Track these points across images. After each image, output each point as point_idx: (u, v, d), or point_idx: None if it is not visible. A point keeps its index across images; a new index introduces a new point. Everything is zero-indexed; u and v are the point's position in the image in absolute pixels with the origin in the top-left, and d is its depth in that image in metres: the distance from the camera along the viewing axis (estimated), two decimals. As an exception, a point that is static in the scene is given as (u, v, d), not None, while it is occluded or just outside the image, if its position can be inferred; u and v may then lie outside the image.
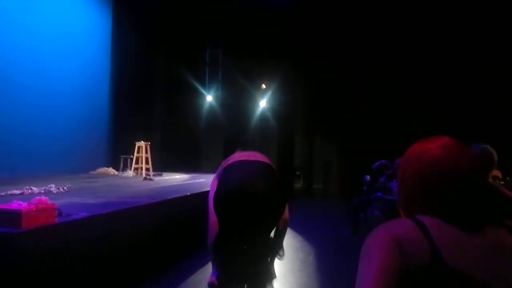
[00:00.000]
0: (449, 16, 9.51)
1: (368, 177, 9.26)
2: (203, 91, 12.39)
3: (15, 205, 2.85)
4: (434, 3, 9.63)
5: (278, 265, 4.53)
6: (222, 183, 2.41)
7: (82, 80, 9.24)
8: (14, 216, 2.70)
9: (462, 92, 9.37)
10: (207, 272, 4.16)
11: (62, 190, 5.25)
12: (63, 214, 3.15)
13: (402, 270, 0.78)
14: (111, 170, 9.36)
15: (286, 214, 2.57)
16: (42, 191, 4.88)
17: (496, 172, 3.09)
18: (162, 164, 10.29)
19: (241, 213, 2.23)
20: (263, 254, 2.36)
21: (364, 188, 9.28)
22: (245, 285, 2.38)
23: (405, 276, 0.78)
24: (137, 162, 8.82)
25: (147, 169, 8.72)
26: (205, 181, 7.60)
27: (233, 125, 11.18)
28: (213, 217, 2.37)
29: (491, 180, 2.81)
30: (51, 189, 5.15)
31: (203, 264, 4.40)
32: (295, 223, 6.88)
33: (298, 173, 12.79)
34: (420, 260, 0.78)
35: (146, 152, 8.78)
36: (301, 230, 6.36)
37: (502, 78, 8.88)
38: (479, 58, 9.21)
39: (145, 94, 11.12)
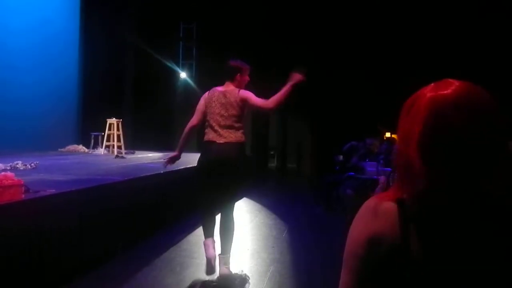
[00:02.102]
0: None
1: (340, 157, 9.41)
2: (177, 68, 12.13)
3: (-22, 180, 2.73)
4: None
5: (252, 242, 4.58)
6: (200, 157, 3.59)
7: (51, 55, 8.88)
8: (-23, 192, 2.59)
9: (431, 72, 9.54)
10: (180, 249, 4.17)
11: (29, 166, 5.08)
12: (31, 191, 3.05)
13: (375, 238, 0.78)
14: (81, 148, 9.13)
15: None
16: (8, 168, 4.71)
17: None
18: (134, 142, 10.10)
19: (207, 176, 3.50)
20: (228, 197, 3.55)
21: (337, 167, 9.44)
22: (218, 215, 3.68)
23: (375, 244, 0.78)
24: (108, 140, 8.62)
25: (119, 147, 8.55)
26: (179, 160, 7.51)
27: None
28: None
29: None
30: (18, 166, 4.98)
31: (177, 241, 4.40)
32: (269, 201, 6.96)
33: (272, 152, 12.86)
34: (387, 244, 0.76)
35: (118, 130, 8.59)
36: (275, 208, 6.43)
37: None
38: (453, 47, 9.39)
39: (116, 69, 10.79)
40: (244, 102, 3.47)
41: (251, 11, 10.76)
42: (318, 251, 4.20)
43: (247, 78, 3.67)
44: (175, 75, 12.16)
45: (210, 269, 3.41)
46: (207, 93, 3.61)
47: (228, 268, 3.41)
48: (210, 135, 3.44)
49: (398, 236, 0.75)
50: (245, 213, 6.16)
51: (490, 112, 0.74)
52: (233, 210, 3.63)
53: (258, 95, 3.54)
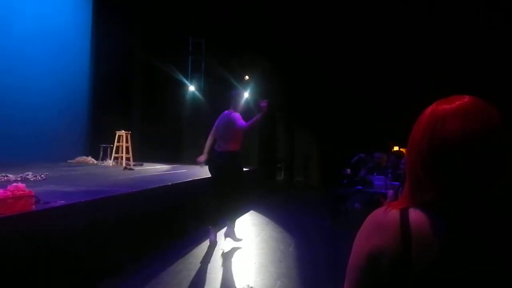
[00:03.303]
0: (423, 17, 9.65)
1: (348, 170, 9.38)
2: (186, 81, 12.26)
3: (-10, 191, 2.77)
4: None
5: (259, 255, 4.56)
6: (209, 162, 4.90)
7: (62, 68, 9.04)
8: (-11, 203, 2.63)
9: (442, 89, 9.53)
10: (187, 262, 4.17)
11: (39, 178, 5.14)
12: (41, 202, 3.09)
13: (376, 252, 0.78)
14: (90, 159, 9.21)
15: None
16: (19, 179, 4.77)
17: None
18: (143, 154, 10.17)
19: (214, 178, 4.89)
20: (232, 193, 4.77)
21: (344, 181, 9.40)
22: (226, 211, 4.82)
23: (376, 258, 0.78)
24: (117, 152, 8.69)
25: (127, 159, 8.61)
26: (186, 172, 7.56)
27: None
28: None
29: None
30: (28, 177, 5.04)
31: (184, 254, 4.39)
32: (276, 215, 6.94)
33: (279, 165, 12.85)
34: (388, 256, 0.76)
35: (127, 142, 8.66)
36: (282, 221, 6.40)
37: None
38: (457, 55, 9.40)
39: (126, 83, 10.94)
40: (233, 122, 4.68)
41: (259, 26, 10.88)
42: (326, 266, 4.17)
43: (241, 103, 5.05)
44: (183, 88, 12.28)
45: (212, 245, 4.68)
46: (220, 115, 5.02)
47: (234, 236, 4.81)
48: (215, 145, 4.86)
49: (400, 247, 0.76)
50: (252, 226, 6.14)
51: (490, 126, 0.75)
52: (239, 197, 4.91)
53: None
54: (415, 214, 0.77)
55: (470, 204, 0.75)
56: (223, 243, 4.93)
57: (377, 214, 0.83)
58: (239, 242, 4.87)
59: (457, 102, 0.78)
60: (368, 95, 10.80)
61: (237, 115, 4.75)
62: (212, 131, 4.94)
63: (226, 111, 4.96)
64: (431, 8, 9.54)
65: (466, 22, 9.15)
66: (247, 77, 12.33)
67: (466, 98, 0.79)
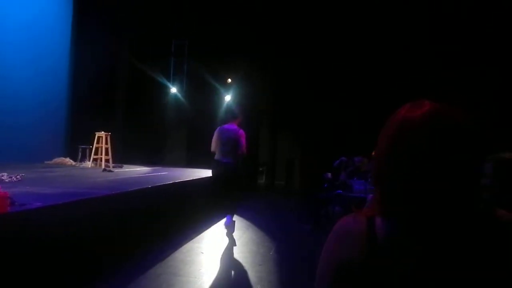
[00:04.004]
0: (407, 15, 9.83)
1: (329, 175, 9.46)
2: (168, 83, 12.16)
3: (-38, 192, 2.68)
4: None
5: (240, 259, 4.54)
6: (212, 172, 5.58)
7: (41, 67, 8.83)
8: (-39, 204, 2.54)
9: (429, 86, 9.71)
10: (167, 265, 4.11)
11: (14, 179, 5.00)
12: (16, 203, 3.00)
13: (342, 264, 0.78)
14: (68, 160, 9.02)
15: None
16: (-7, 180, 4.63)
17: None
18: (123, 156, 10.02)
19: (220, 183, 5.44)
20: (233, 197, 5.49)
21: (325, 185, 9.46)
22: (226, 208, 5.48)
23: (343, 270, 0.78)
24: (96, 153, 8.54)
25: (107, 160, 8.46)
26: (167, 174, 7.47)
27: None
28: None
29: None
30: (3, 178, 4.90)
31: (163, 258, 4.33)
32: (256, 218, 6.92)
33: (261, 169, 12.86)
34: (355, 255, 0.76)
35: (106, 143, 8.52)
36: (262, 225, 6.40)
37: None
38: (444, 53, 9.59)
39: (108, 84, 10.78)
40: (240, 138, 5.32)
41: (242, 28, 10.89)
42: (306, 270, 4.18)
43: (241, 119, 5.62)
44: (165, 90, 12.18)
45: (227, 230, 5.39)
46: (218, 128, 5.50)
47: (233, 228, 5.45)
48: (218, 156, 5.37)
49: (365, 256, 0.75)
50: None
51: (458, 134, 0.75)
52: (237, 201, 5.71)
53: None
54: (381, 223, 0.77)
55: (438, 215, 0.74)
56: (204, 247, 4.90)
57: (345, 222, 0.83)
58: (220, 244, 4.88)
59: (423, 111, 0.77)
60: (350, 99, 10.91)
61: (244, 135, 5.39)
62: (217, 144, 5.37)
63: (231, 126, 5.43)
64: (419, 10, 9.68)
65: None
66: (229, 80, 12.32)
67: (432, 106, 0.78)
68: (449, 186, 0.73)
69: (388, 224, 0.77)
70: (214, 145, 5.40)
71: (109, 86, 10.90)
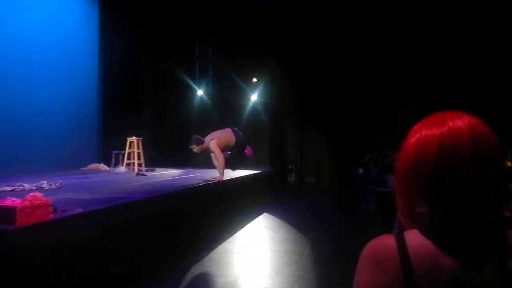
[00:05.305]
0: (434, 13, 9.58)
1: (360, 170, 9.33)
2: (194, 86, 12.30)
3: (9, 201, 2.79)
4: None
5: (275, 258, 4.54)
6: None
7: (72, 77, 9.10)
8: (8, 213, 2.65)
9: (451, 80, 9.48)
10: (204, 266, 4.16)
11: (54, 186, 5.18)
12: (58, 210, 3.10)
13: None
14: (102, 166, 9.25)
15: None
16: (34, 187, 4.81)
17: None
18: (153, 159, 10.20)
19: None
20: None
21: (357, 181, 9.33)
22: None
23: None
24: (129, 158, 8.73)
25: (139, 165, 8.64)
26: (198, 176, 7.56)
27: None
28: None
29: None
30: (43, 185, 5.08)
31: (200, 258, 4.38)
32: (289, 217, 6.90)
33: (290, 167, 12.81)
34: (391, 283, 0.74)
35: (138, 148, 8.70)
36: (295, 223, 6.36)
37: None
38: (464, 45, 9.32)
39: (135, 89, 11.01)
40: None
41: (266, 28, 10.87)
42: (342, 268, 4.12)
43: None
44: (192, 92, 12.32)
45: None
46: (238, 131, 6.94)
47: None
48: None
49: (403, 284, 0.73)
50: (266, 229, 6.12)
51: (496, 150, 0.74)
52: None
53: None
54: (413, 243, 0.75)
55: (471, 232, 0.73)
56: (239, 246, 4.92)
57: (374, 249, 0.79)
58: (254, 244, 4.88)
59: (442, 132, 0.75)
60: (378, 94, 10.73)
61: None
62: (233, 134, 6.73)
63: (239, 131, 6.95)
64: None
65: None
66: (255, 79, 12.33)
67: (452, 126, 0.75)
68: (488, 202, 0.73)
69: (422, 242, 0.75)
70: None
71: (136, 91, 11.12)
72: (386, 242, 0.78)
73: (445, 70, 9.63)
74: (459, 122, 0.76)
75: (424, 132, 0.77)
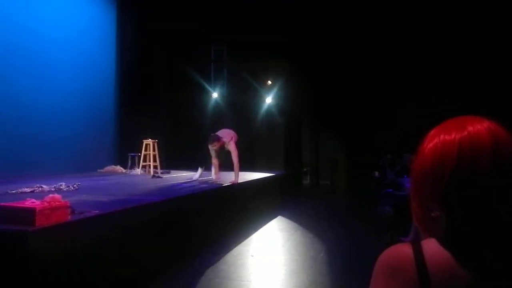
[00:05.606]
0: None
1: (376, 173, 9.22)
2: (209, 88, 12.36)
3: (28, 202, 2.84)
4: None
5: (290, 261, 4.52)
6: None
7: (88, 80, 9.24)
8: (28, 214, 2.69)
9: (465, 80, 9.34)
10: (218, 269, 4.16)
11: (72, 188, 5.26)
12: (76, 212, 3.14)
13: None
14: (119, 168, 9.37)
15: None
16: (53, 189, 4.89)
17: None
18: (169, 161, 10.29)
19: None
20: None
21: (373, 184, 9.24)
22: None
23: None
24: (144, 160, 8.82)
25: (155, 167, 8.72)
26: (213, 178, 7.57)
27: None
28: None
29: None
30: (61, 187, 5.16)
31: (214, 261, 4.39)
32: (304, 220, 6.87)
33: (305, 169, 12.76)
34: None
35: (154, 150, 8.78)
36: (310, 226, 6.33)
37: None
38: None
39: (150, 92, 11.12)
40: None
41: (281, 30, 10.87)
42: (358, 272, 4.08)
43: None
44: (207, 95, 12.38)
45: None
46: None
47: None
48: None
49: None
50: (280, 232, 6.10)
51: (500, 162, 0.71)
52: None
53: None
54: (429, 250, 0.73)
55: (489, 240, 0.71)
56: (253, 250, 4.92)
57: (389, 256, 0.77)
58: (269, 247, 4.88)
59: (461, 137, 0.74)
60: (393, 95, 10.62)
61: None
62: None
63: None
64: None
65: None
66: (269, 81, 12.33)
67: (480, 126, 0.74)
68: (508, 208, 0.71)
69: (438, 251, 0.73)
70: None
71: (151, 93, 11.23)
72: (402, 250, 0.76)
73: (469, 71, 9.47)
74: (479, 127, 0.74)
75: (443, 137, 0.76)
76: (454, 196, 0.72)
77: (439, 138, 0.76)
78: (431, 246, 0.74)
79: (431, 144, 0.77)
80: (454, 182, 0.72)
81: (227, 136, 6.58)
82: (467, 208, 0.72)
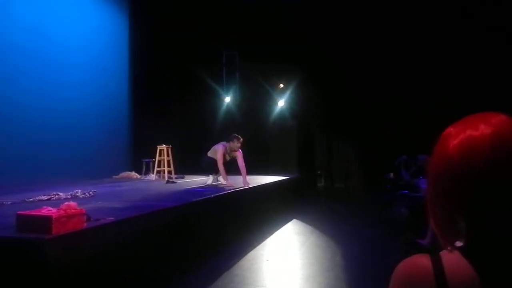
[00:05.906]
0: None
1: (391, 175, 9.11)
2: (221, 92, 12.40)
3: (45, 211, 2.88)
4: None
5: (306, 265, 4.48)
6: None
7: (101, 86, 9.36)
8: (44, 222, 2.73)
9: (475, 81, 9.18)
10: (233, 274, 4.15)
11: (88, 195, 5.31)
12: (92, 219, 3.17)
13: None
14: (134, 174, 9.45)
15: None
16: (69, 196, 4.95)
17: None
18: (183, 166, 10.34)
19: None
20: None
21: (388, 186, 9.12)
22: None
23: None
24: (159, 165, 8.89)
25: (169, 172, 8.77)
26: (225, 182, 7.58)
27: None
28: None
29: None
30: (77, 194, 5.22)
31: (229, 266, 4.37)
32: (319, 223, 6.81)
33: (319, 172, 12.69)
34: None
35: (168, 155, 8.84)
36: (326, 229, 6.27)
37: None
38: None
39: (163, 97, 11.21)
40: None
41: (293, 34, 10.85)
42: (375, 276, 4.02)
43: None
44: (219, 100, 12.43)
45: None
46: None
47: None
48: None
49: None
50: (296, 235, 6.06)
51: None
52: None
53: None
54: (449, 263, 0.69)
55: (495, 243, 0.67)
56: (268, 254, 4.89)
57: (407, 268, 0.73)
58: (284, 251, 4.84)
59: (481, 133, 0.68)
60: (406, 96, 10.50)
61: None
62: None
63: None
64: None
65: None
66: (281, 85, 12.31)
67: (490, 128, 0.67)
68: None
69: (459, 264, 0.68)
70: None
71: (164, 98, 11.31)
72: (421, 262, 0.72)
73: (469, 71, 9.33)
74: (505, 119, 0.68)
75: (469, 133, 0.69)
76: (483, 200, 0.66)
77: (465, 134, 0.69)
78: (451, 259, 0.70)
79: (455, 141, 0.70)
80: (486, 184, 0.66)
81: (221, 145, 7.05)
82: (496, 214, 0.66)
